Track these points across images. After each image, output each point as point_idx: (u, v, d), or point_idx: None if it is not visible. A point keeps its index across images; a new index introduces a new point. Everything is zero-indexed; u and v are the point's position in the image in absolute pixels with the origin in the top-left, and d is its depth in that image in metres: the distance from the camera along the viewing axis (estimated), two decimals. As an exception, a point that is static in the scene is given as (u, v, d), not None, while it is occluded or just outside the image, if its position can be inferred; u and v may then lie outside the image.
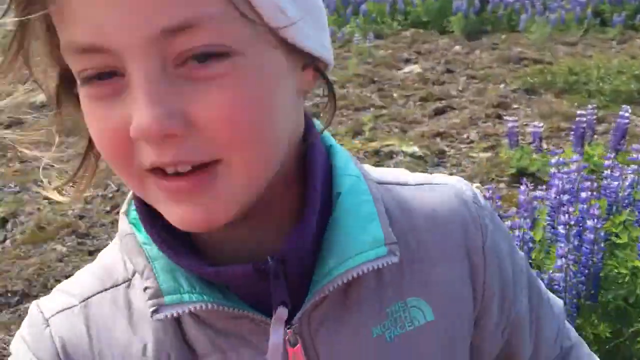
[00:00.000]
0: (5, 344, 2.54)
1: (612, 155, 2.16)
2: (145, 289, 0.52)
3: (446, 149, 4.43)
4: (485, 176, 3.90)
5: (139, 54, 0.44)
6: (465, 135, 4.64)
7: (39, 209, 3.70)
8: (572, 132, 3.66)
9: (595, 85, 5.36)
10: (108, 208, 3.64)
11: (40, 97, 0.55)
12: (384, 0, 9.11)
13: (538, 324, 0.72)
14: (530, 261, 1.94)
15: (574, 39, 7.79)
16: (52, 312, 0.58)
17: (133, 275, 0.58)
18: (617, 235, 1.96)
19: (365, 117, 4.93)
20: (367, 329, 0.57)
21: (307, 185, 0.56)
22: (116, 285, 0.59)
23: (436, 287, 0.61)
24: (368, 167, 0.65)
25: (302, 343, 0.56)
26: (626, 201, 2.06)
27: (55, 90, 0.53)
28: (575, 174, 1.95)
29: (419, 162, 4.12)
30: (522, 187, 2.14)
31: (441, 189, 0.66)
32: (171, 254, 0.53)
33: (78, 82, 0.48)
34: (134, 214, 0.57)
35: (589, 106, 3.67)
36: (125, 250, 0.56)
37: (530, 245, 1.89)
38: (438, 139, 4.60)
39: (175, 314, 0.52)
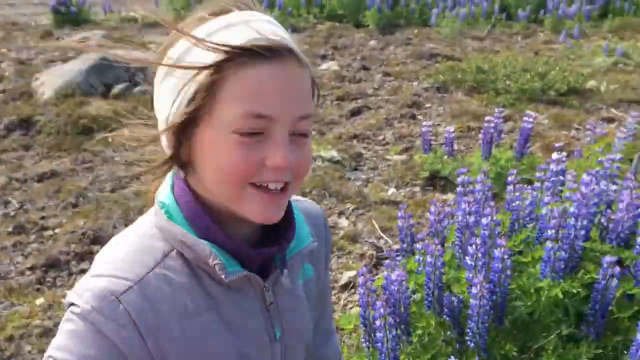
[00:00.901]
0: None
1: (514, 172, 2.23)
2: (214, 265, 0.84)
3: (363, 151, 4.49)
4: (400, 180, 3.99)
5: (286, 124, 0.82)
6: (381, 137, 4.72)
7: None
8: (482, 133, 3.80)
9: (502, 84, 5.60)
10: (10, 228, 3.42)
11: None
12: (300, -7, 9.06)
13: (326, 297, 1.20)
14: (440, 284, 2.00)
15: (482, 33, 8.08)
16: (119, 293, 0.81)
17: (162, 259, 0.86)
18: (520, 253, 2.05)
19: (282, 119, 4.89)
20: (296, 280, 1.01)
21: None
22: (154, 268, 0.85)
23: (314, 256, 1.08)
24: None
25: (273, 292, 0.95)
26: (527, 218, 2.15)
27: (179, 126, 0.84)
28: (481, 194, 2.02)
29: (337, 167, 4.15)
30: (432, 208, 2.18)
31: (309, 203, 1.14)
32: (226, 240, 0.87)
33: (229, 132, 0.80)
34: (174, 219, 0.88)
35: (496, 109, 3.80)
36: (185, 244, 0.86)
37: (442, 270, 1.93)
38: (355, 141, 4.65)
39: (235, 278, 0.86)
